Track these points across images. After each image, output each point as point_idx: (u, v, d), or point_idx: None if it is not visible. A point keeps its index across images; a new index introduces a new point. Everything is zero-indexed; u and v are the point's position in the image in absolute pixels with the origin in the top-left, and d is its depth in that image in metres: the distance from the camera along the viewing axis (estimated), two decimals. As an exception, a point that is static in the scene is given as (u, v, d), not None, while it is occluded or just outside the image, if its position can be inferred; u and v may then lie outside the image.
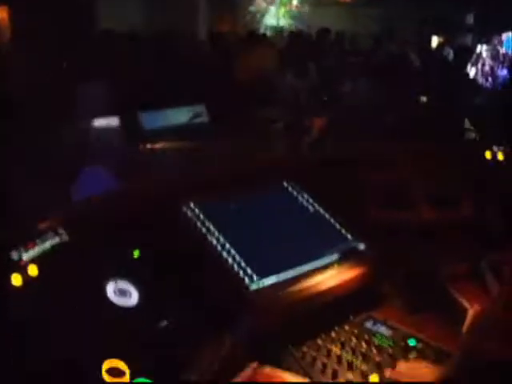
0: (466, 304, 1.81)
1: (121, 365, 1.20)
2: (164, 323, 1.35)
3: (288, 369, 1.57)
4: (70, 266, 1.43)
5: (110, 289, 1.38)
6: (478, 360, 1.12)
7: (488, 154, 2.29)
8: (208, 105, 3.93)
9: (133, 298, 1.39)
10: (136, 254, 1.52)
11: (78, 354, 1.22)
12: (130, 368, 1.21)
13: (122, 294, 1.39)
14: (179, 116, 3.81)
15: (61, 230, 1.53)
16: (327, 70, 7.24)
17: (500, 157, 2.28)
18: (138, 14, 11.77)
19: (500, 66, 9.57)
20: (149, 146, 3.30)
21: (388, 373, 1.55)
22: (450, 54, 11.50)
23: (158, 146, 3.30)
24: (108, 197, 1.79)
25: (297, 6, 14.66)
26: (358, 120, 5.98)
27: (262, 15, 14.24)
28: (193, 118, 3.31)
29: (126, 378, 1.19)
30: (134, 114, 3.63)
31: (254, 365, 1.55)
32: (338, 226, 1.94)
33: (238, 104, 4.33)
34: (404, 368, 1.53)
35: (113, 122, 3.59)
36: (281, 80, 6.05)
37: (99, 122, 3.65)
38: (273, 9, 14.53)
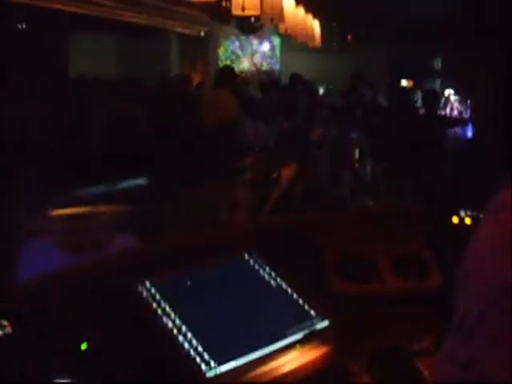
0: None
1: None
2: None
3: None
4: (12, 360, 1.34)
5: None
6: None
7: (455, 219, 2.25)
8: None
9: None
10: (84, 346, 1.43)
11: None
12: None
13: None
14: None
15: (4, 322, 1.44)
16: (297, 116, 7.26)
17: (467, 221, 2.24)
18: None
19: (468, 111, 9.70)
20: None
21: None
22: (419, 98, 11.68)
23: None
24: (52, 278, 1.70)
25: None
26: (327, 168, 5.97)
27: (232, 61, 14.36)
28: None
29: None
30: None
31: None
32: (301, 301, 1.87)
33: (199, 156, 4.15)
34: None
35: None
36: (249, 128, 6.02)
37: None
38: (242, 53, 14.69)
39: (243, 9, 5.09)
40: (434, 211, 2.31)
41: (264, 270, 1.95)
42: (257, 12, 5.43)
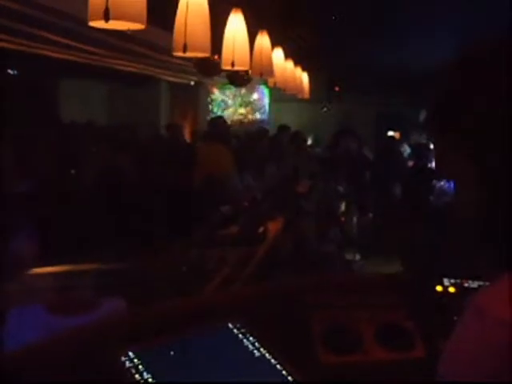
0: None
1: None
2: None
3: None
4: None
5: None
6: None
7: (439, 288, 2.25)
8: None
9: None
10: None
11: None
12: None
13: None
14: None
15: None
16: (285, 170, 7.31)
17: (451, 290, 2.25)
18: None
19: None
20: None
21: None
22: (406, 150, 11.80)
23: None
24: (35, 349, 1.68)
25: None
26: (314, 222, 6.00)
27: (222, 110, 14.51)
28: None
29: None
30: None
31: None
32: (284, 372, 1.86)
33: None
34: None
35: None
36: (236, 181, 6.06)
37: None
38: (232, 103, 14.86)
39: (233, 64, 5.17)
40: (417, 280, 2.32)
41: (248, 339, 1.94)
42: (246, 67, 5.52)
